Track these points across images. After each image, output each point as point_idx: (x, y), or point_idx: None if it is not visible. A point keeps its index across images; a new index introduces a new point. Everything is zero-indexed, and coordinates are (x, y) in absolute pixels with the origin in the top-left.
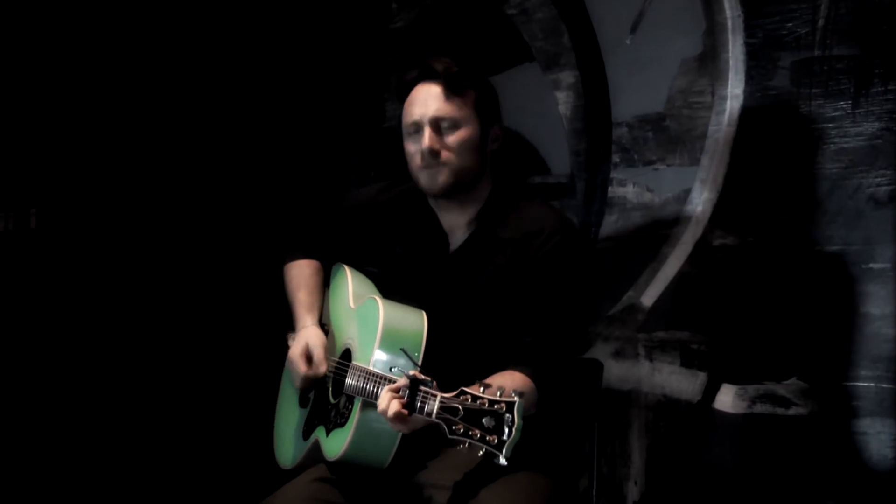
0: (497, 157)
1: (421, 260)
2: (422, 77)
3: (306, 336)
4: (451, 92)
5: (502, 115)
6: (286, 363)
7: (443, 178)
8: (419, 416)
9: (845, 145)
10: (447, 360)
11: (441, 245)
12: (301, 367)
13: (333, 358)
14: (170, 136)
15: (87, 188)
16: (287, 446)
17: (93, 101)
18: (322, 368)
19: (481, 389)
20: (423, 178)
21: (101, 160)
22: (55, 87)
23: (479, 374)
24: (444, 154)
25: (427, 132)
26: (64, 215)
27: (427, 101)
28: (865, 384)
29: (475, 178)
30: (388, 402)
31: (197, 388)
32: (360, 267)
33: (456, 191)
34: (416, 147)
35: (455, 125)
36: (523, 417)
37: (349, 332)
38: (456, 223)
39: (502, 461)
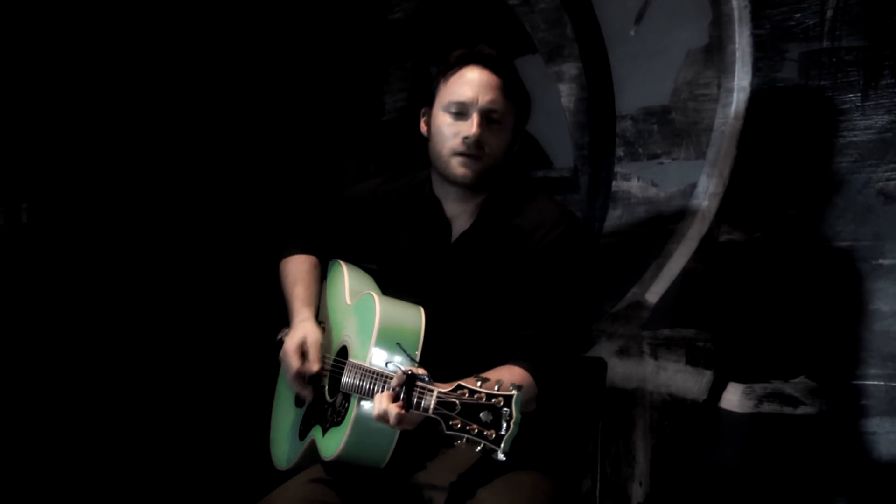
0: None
1: (423, 249)
2: (480, 61)
3: (303, 330)
4: (507, 91)
5: None
6: (280, 357)
7: (476, 170)
8: (416, 412)
9: (854, 139)
10: (447, 352)
11: (444, 234)
12: (294, 363)
13: (330, 356)
14: (164, 131)
15: (79, 183)
16: (283, 447)
17: (85, 96)
18: (315, 367)
19: (478, 383)
20: (455, 164)
21: (94, 155)
22: (48, 83)
23: (480, 367)
24: (486, 148)
25: (476, 119)
26: (56, 211)
27: (483, 87)
28: (875, 383)
29: (496, 175)
30: (386, 404)
31: (192, 387)
32: (358, 263)
33: (477, 184)
34: (457, 129)
35: (501, 123)
36: (523, 413)
37: (346, 329)
38: (459, 211)
39: (500, 456)
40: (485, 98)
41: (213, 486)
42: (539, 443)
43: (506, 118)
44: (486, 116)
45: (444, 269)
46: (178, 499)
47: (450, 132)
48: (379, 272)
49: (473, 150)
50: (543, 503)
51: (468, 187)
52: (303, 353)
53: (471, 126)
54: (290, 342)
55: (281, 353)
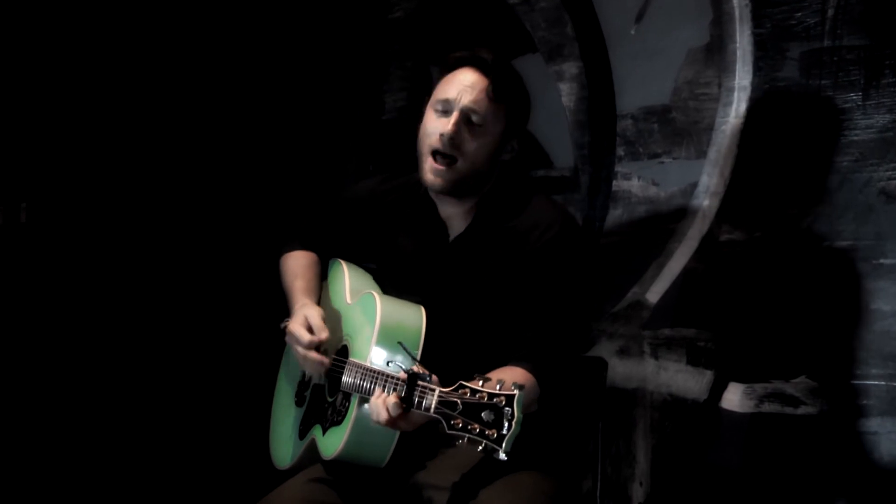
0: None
1: (420, 250)
2: (473, 63)
3: (303, 310)
4: (495, 94)
5: None
6: (287, 342)
7: (448, 179)
8: (417, 411)
9: (855, 138)
10: (447, 353)
11: (440, 235)
12: (304, 335)
13: (330, 355)
14: (164, 130)
15: (79, 182)
16: (283, 446)
17: (84, 95)
18: (324, 334)
19: (480, 383)
20: (427, 169)
21: (93, 154)
22: (47, 83)
23: (480, 368)
24: (461, 150)
25: (455, 117)
26: (55, 210)
27: (468, 87)
28: (876, 382)
29: (480, 182)
30: (384, 400)
31: (192, 387)
32: (357, 262)
33: (456, 190)
34: (438, 127)
35: (482, 126)
36: (525, 414)
37: (346, 329)
38: (454, 212)
39: (502, 456)
40: (467, 98)
41: (213, 486)
42: (540, 443)
43: (489, 121)
44: (466, 117)
45: (441, 270)
46: (179, 499)
47: (431, 129)
48: (378, 272)
49: (448, 148)
50: (544, 503)
51: (445, 194)
52: (309, 328)
53: (448, 123)
54: (294, 322)
55: (287, 337)
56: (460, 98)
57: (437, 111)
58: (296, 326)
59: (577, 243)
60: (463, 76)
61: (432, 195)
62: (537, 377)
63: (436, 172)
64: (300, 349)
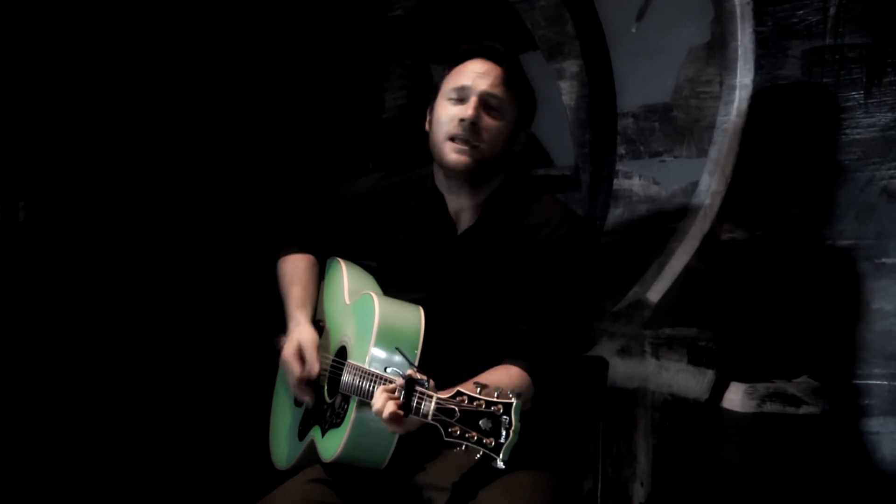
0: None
1: (426, 244)
2: (483, 54)
3: (298, 335)
4: (508, 82)
5: None
6: (280, 365)
7: (469, 158)
8: (415, 417)
9: (857, 136)
10: (449, 349)
11: (448, 229)
12: (295, 369)
13: (329, 356)
14: (162, 129)
15: (78, 181)
16: (282, 446)
17: (84, 94)
18: (315, 369)
19: (478, 390)
20: (449, 150)
21: (92, 153)
22: (46, 81)
23: (481, 363)
24: (482, 134)
25: (474, 102)
26: (53, 209)
27: (482, 74)
28: (878, 382)
29: (494, 170)
30: (383, 403)
31: (192, 386)
32: (357, 260)
33: (474, 175)
34: (455, 113)
35: (500, 111)
36: (521, 412)
37: (344, 330)
38: (463, 207)
39: (500, 464)
40: (484, 84)
41: (213, 486)
42: (540, 443)
43: (505, 108)
44: (484, 102)
45: (448, 265)
46: (179, 499)
47: (447, 117)
48: (379, 269)
49: (469, 133)
50: (544, 503)
51: (465, 178)
52: (301, 358)
53: (467, 108)
54: (288, 349)
55: (281, 362)
56: (476, 85)
57: (451, 100)
58: (289, 355)
59: (586, 243)
60: (474, 66)
61: (441, 188)
62: (532, 376)
63: (459, 151)
64: (290, 380)
